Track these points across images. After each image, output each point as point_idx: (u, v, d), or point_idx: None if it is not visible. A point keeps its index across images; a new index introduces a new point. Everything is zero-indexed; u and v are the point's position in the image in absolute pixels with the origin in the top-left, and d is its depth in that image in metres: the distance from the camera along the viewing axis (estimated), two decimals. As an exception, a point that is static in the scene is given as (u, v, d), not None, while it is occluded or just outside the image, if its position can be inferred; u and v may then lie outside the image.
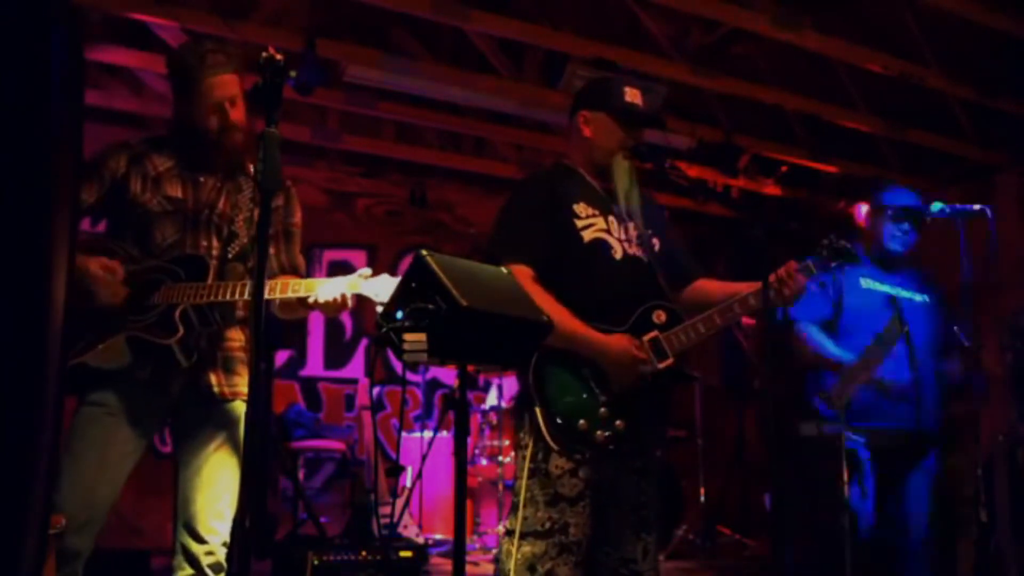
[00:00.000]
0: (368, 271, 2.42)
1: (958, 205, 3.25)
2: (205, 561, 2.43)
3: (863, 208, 3.49)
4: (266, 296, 2.35)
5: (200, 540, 2.43)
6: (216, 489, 2.47)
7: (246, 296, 2.40)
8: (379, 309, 2.25)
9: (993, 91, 5.33)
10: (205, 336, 2.50)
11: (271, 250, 2.59)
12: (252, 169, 2.59)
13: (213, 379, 2.51)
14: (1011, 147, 5.90)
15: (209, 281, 2.43)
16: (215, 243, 2.53)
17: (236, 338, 2.58)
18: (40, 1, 1.16)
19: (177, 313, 2.40)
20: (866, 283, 3.33)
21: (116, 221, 2.57)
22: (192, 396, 2.50)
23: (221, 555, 2.45)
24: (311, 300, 2.40)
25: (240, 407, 2.54)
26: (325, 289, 2.38)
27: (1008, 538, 4.34)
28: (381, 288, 2.35)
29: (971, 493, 3.43)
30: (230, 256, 2.54)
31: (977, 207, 3.23)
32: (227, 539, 2.47)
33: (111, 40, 4.77)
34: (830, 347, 3.24)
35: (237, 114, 2.50)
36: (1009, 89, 5.33)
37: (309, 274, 2.61)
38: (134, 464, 2.47)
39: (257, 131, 2.55)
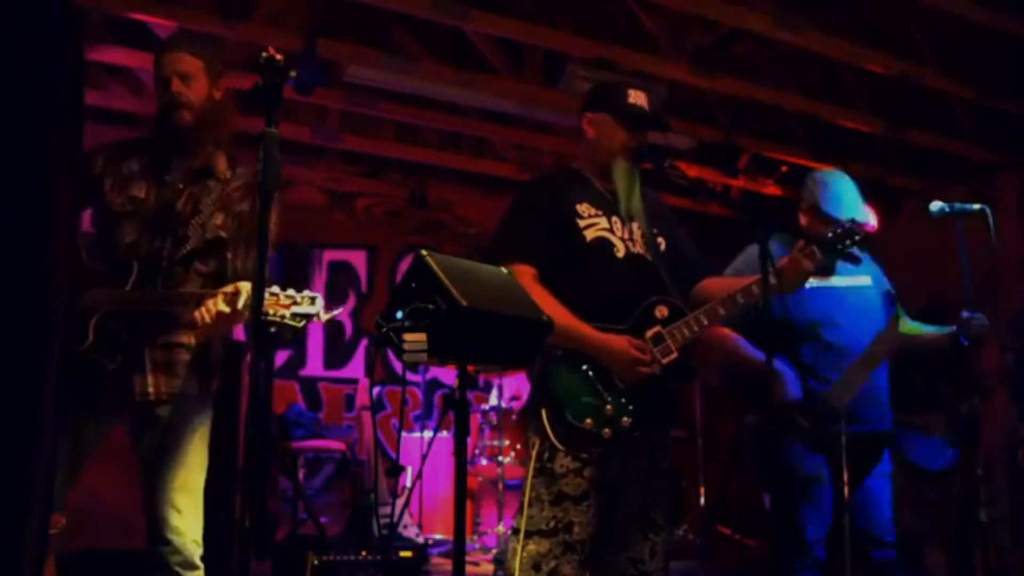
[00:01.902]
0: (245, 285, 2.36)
1: (958, 205, 3.24)
2: (172, 560, 2.42)
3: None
4: (168, 305, 2.42)
5: (164, 542, 2.43)
6: (172, 490, 2.46)
7: (157, 305, 2.42)
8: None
9: (993, 91, 5.33)
10: (146, 339, 2.48)
11: (228, 255, 2.56)
12: (224, 169, 2.58)
13: (150, 380, 2.48)
14: (1011, 147, 5.90)
15: (128, 288, 2.43)
16: (168, 244, 2.51)
17: (184, 341, 2.54)
18: (40, 1, 1.16)
19: (93, 321, 2.40)
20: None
21: (93, 220, 2.59)
22: (132, 400, 2.48)
23: (188, 552, 2.44)
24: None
25: (182, 407, 2.52)
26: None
27: (1008, 538, 4.35)
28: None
29: (971, 493, 3.41)
30: (177, 259, 2.51)
31: (977, 207, 3.22)
32: (195, 537, 2.47)
33: (111, 40, 4.77)
34: (749, 347, 3.08)
35: (186, 90, 2.50)
36: (1009, 89, 5.33)
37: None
38: (92, 456, 2.49)
39: (223, 117, 2.59)
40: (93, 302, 2.42)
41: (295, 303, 2.35)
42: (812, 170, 3.39)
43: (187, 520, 2.45)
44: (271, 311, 2.33)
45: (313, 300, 2.38)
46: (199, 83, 2.53)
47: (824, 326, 3.10)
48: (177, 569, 2.42)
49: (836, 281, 3.17)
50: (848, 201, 3.20)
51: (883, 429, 3.15)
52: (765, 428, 3.03)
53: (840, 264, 3.20)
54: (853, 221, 3.04)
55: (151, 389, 2.48)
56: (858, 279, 3.22)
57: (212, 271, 2.55)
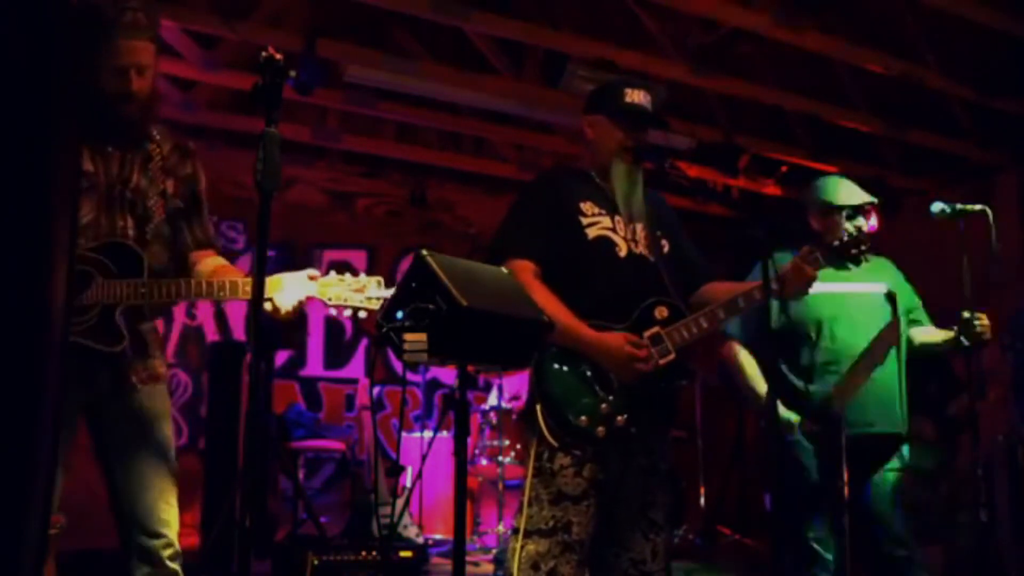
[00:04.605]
0: (315, 272, 2.35)
1: (958, 205, 3.24)
2: (165, 554, 2.35)
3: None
4: (212, 297, 2.30)
5: (157, 535, 2.35)
6: (161, 480, 2.37)
7: (191, 296, 2.30)
8: (332, 311, 2.31)
9: (993, 91, 5.34)
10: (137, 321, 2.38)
11: (183, 224, 2.47)
12: (155, 135, 2.45)
13: (137, 367, 2.38)
14: (1011, 147, 5.91)
15: (146, 277, 2.30)
16: (130, 223, 2.38)
17: (148, 320, 2.46)
18: (40, 2, 1.16)
19: (118, 315, 2.27)
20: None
21: None
22: (116, 389, 2.36)
23: (177, 544, 2.38)
24: (268, 307, 2.27)
25: (159, 390, 2.43)
26: (284, 297, 2.28)
27: (1008, 538, 4.35)
28: (338, 290, 2.31)
29: (971, 493, 3.40)
30: (148, 237, 2.40)
31: (977, 207, 3.22)
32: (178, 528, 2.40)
33: (111, 40, 4.76)
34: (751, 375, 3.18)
35: (141, 83, 2.34)
36: (1009, 89, 5.34)
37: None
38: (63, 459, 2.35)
39: (154, 100, 2.42)
40: (114, 294, 2.27)
41: (363, 287, 2.32)
42: (812, 170, 3.40)
43: (175, 512, 2.39)
44: (344, 298, 2.31)
45: (380, 283, 2.34)
46: (150, 72, 2.38)
47: (822, 330, 3.10)
48: (168, 563, 2.36)
49: (837, 286, 3.16)
50: (848, 188, 3.25)
51: (890, 431, 3.14)
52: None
53: (846, 269, 3.21)
54: (861, 208, 3.12)
55: (134, 377, 2.38)
56: (865, 285, 3.21)
57: (170, 240, 2.47)
